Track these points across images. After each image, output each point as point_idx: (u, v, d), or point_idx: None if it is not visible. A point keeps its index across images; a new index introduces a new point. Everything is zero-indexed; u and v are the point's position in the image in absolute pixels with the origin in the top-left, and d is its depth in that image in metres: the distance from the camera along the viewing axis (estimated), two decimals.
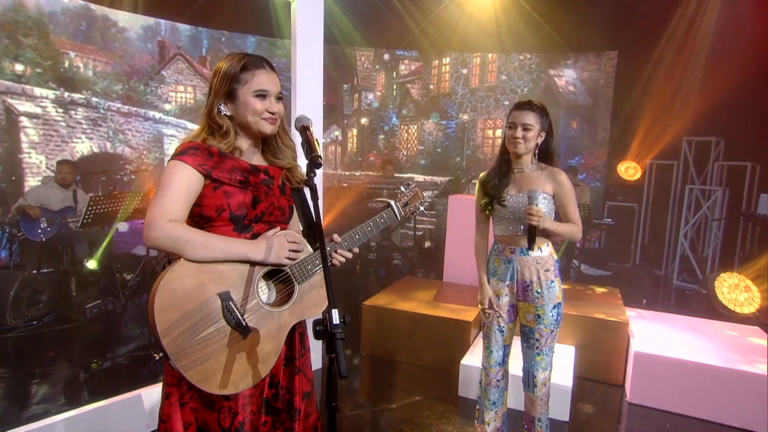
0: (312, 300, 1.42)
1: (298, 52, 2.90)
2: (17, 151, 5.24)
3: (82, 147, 5.72)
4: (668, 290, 5.75)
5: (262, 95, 1.36)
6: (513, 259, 2.13)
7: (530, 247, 2.01)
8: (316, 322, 1.15)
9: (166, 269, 1.24)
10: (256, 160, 1.45)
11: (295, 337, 1.46)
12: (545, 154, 2.14)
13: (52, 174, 4.98)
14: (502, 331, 2.20)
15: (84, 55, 5.65)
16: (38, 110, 5.35)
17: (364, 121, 7.72)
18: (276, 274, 1.39)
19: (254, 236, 1.38)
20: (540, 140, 2.08)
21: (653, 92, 6.15)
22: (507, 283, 2.15)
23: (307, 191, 1.47)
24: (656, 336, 3.22)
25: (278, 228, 1.44)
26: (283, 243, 1.37)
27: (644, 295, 5.19)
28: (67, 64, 5.52)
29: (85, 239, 4.51)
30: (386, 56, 7.64)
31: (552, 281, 2.10)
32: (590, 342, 3.25)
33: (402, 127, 7.74)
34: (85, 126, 5.71)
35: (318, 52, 3.00)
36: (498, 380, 2.24)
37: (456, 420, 2.72)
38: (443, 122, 7.53)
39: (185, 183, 1.29)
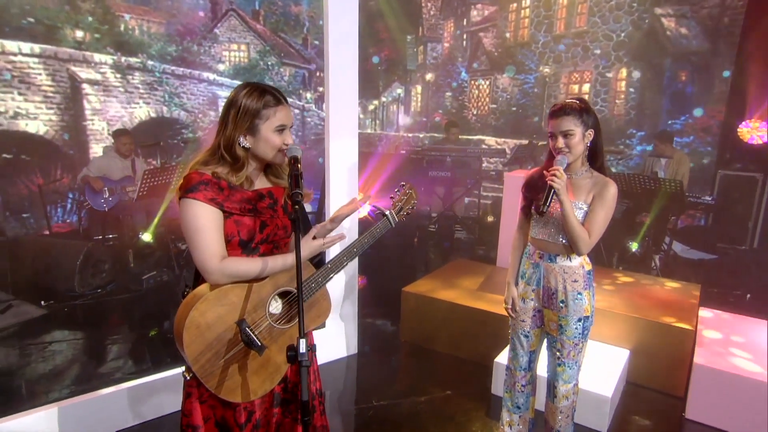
0: (314, 314, 1.82)
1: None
2: (81, 118, 6.05)
3: (140, 112, 6.44)
4: None
5: (281, 130, 1.65)
6: (540, 264, 2.29)
7: (544, 207, 2.05)
8: (289, 347, 1.46)
9: (191, 304, 1.59)
10: (260, 182, 1.75)
11: None
12: (592, 154, 2.21)
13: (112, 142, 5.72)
14: (527, 336, 2.39)
15: (138, 16, 6.24)
16: (98, 76, 6.08)
17: (429, 77, 7.75)
18: (286, 296, 1.75)
19: (261, 256, 1.70)
20: (588, 140, 2.14)
21: None
22: (533, 287, 2.33)
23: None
24: (729, 346, 3.19)
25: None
26: (317, 241, 1.72)
27: (750, 288, 4.93)
28: (122, 28, 6.16)
29: (143, 209, 5.23)
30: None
31: (579, 293, 2.23)
32: (648, 347, 3.30)
33: (472, 82, 7.67)
34: (142, 90, 6.40)
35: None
36: (523, 385, 2.46)
37: (484, 419, 2.99)
38: (520, 76, 7.34)
39: (211, 220, 1.60)
